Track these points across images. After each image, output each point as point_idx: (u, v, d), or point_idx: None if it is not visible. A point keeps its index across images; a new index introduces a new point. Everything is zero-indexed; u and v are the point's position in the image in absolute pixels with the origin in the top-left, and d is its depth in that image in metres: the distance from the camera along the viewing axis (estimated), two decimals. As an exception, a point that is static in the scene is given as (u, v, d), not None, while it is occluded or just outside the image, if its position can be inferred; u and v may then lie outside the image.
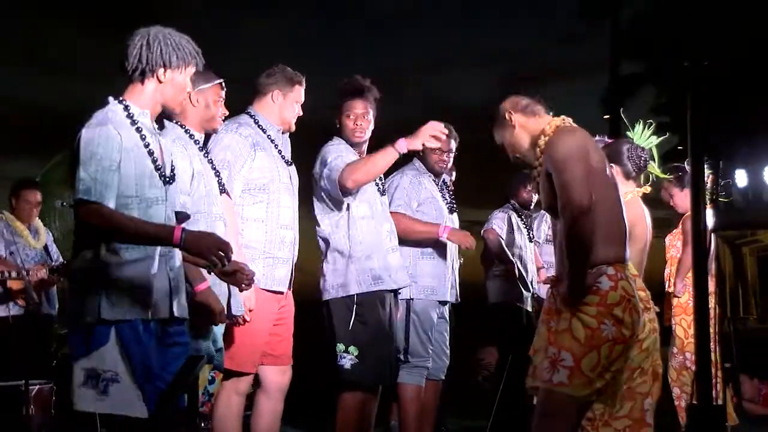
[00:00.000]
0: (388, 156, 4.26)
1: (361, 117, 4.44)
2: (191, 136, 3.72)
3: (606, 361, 3.01)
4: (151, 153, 2.98)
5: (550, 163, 3.09)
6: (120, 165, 2.89)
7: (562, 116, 3.28)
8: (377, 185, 4.53)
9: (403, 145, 4.24)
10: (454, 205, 5.14)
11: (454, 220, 5.10)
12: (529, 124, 3.28)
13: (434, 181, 5.06)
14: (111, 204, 2.86)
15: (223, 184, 3.80)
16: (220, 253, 2.91)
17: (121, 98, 3.02)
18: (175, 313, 3.02)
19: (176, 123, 3.70)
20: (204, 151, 3.76)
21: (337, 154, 4.35)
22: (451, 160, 5.11)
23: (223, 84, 3.80)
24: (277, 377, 4.10)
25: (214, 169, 3.78)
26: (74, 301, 2.94)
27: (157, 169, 2.98)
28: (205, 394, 3.70)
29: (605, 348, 3.00)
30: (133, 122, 2.97)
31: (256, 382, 4.14)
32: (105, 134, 2.88)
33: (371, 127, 4.49)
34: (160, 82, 3.02)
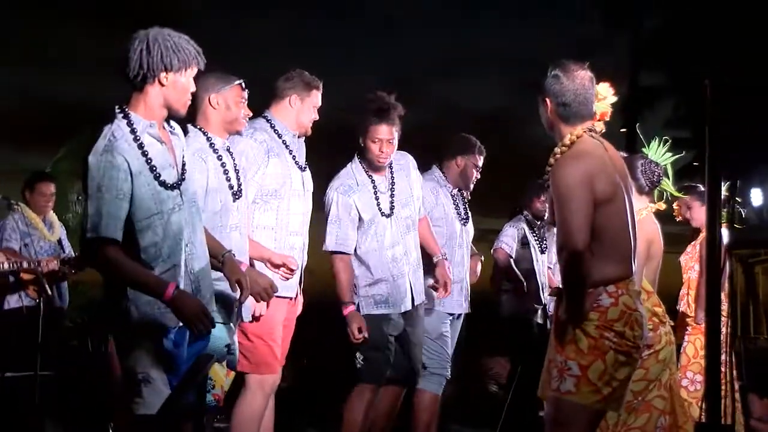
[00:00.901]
0: (340, 299, 4.39)
1: (387, 143, 4.47)
2: (212, 144, 3.72)
3: (612, 370, 3.02)
4: (153, 169, 2.96)
5: (552, 190, 3.07)
6: (133, 191, 2.90)
7: (590, 125, 3.16)
8: (393, 203, 4.56)
9: (348, 310, 4.39)
10: (468, 217, 5.18)
11: (468, 232, 5.15)
12: (558, 124, 3.16)
13: (451, 193, 5.08)
14: (119, 234, 2.88)
15: (241, 188, 3.81)
16: (201, 324, 2.93)
17: (126, 110, 2.99)
18: None
19: (199, 129, 3.72)
20: (226, 155, 3.77)
21: (340, 214, 4.44)
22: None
23: (244, 85, 3.80)
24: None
25: (237, 171, 3.80)
26: (107, 306, 3.01)
27: (161, 183, 2.98)
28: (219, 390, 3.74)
29: (611, 356, 3.01)
30: (136, 138, 2.95)
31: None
32: (111, 162, 2.87)
33: (395, 148, 4.54)
34: (163, 85, 2.99)
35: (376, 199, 4.54)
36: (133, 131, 2.96)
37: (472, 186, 5.18)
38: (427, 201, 4.93)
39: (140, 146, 2.95)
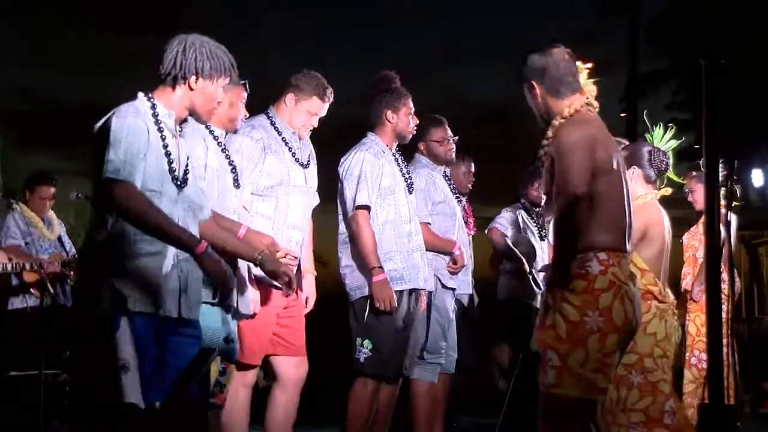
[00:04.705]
0: (370, 266, 4.27)
1: (414, 116, 4.55)
2: (211, 131, 3.76)
3: (599, 355, 2.86)
4: (168, 154, 2.99)
5: (555, 150, 2.99)
6: (146, 157, 2.91)
7: (587, 100, 3.15)
8: (407, 182, 4.56)
9: (379, 277, 4.28)
10: (459, 195, 5.23)
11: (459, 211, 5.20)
12: (550, 102, 3.11)
13: (442, 175, 5.10)
14: (138, 185, 2.88)
15: (238, 179, 3.82)
16: (226, 284, 2.99)
17: (150, 96, 3.04)
18: (183, 314, 3.03)
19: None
20: (222, 147, 3.80)
21: (367, 174, 4.36)
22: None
23: (247, 86, 3.83)
24: (292, 370, 4.13)
25: (231, 164, 3.81)
26: (86, 288, 2.96)
27: (171, 171, 3.00)
28: (217, 385, 3.73)
29: (593, 341, 2.86)
30: (157, 121, 2.99)
31: (273, 376, 4.17)
32: (135, 125, 2.90)
33: None
34: (191, 89, 3.04)
35: (400, 169, 4.56)
36: (154, 114, 3.00)
37: (451, 156, 5.14)
38: (425, 185, 4.93)
39: (160, 129, 2.99)
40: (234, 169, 3.82)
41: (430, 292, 4.80)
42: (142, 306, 2.90)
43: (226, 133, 3.89)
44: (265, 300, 3.95)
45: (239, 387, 3.94)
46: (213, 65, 3.04)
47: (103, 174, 2.84)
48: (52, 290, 5.36)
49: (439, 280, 4.89)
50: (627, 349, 3.45)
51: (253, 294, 3.85)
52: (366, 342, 4.33)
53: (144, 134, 2.91)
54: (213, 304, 3.52)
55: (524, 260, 5.96)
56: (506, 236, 6.02)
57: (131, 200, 2.84)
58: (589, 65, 3.22)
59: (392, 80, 4.59)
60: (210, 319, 3.47)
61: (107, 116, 2.95)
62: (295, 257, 3.95)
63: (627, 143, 4.45)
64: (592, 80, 3.22)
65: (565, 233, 2.91)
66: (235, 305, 3.67)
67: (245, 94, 3.85)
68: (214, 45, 3.08)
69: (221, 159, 3.75)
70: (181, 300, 3.02)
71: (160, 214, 2.90)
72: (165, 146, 2.99)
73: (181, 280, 3.02)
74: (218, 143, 3.78)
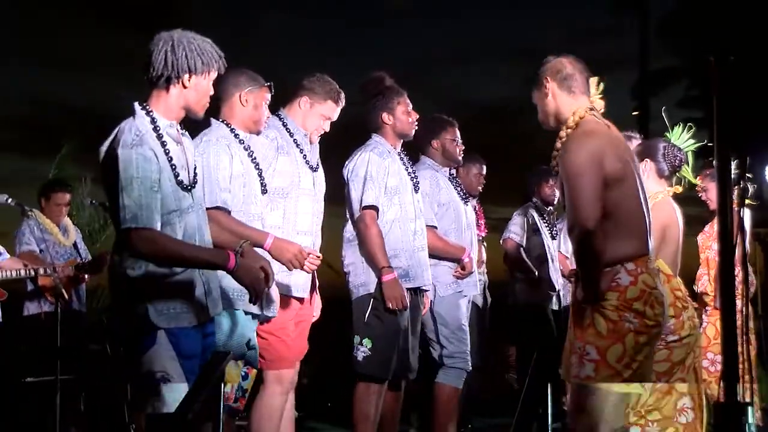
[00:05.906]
0: (379, 266, 4.26)
1: (413, 111, 4.55)
2: (236, 135, 3.77)
3: (632, 351, 3.05)
4: (174, 167, 2.97)
5: (562, 172, 3.11)
6: (160, 184, 2.90)
7: (591, 104, 3.25)
8: (413, 181, 4.56)
9: (389, 276, 4.27)
10: (467, 196, 5.21)
11: (468, 212, 5.17)
12: (561, 99, 3.25)
13: (446, 176, 5.10)
14: (158, 226, 2.88)
15: (265, 185, 3.83)
16: (261, 286, 3.00)
17: (147, 107, 3.00)
18: (210, 314, 3.07)
19: (222, 122, 3.76)
20: (249, 152, 3.80)
21: (373, 174, 4.37)
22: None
23: (272, 88, 3.84)
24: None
25: (258, 168, 3.82)
26: (121, 308, 2.98)
27: (180, 183, 2.99)
28: (239, 390, 3.73)
29: (630, 339, 3.04)
30: (159, 135, 2.97)
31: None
32: (143, 155, 2.86)
33: None
34: (185, 87, 3.00)
35: (406, 169, 4.56)
36: (156, 129, 2.97)
37: (461, 159, 5.15)
38: (430, 188, 4.92)
39: (163, 144, 2.97)
40: (261, 174, 3.82)
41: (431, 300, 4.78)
42: (178, 321, 2.94)
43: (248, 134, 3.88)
44: (284, 305, 3.95)
45: (275, 388, 3.94)
46: (204, 60, 3.01)
47: (122, 224, 2.84)
48: (66, 295, 5.39)
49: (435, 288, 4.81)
50: (661, 358, 3.66)
51: (276, 296, 3.85)
52: (365, 341, 4.32)
53: (153, 162, 2.88)
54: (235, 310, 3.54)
55: (536, 271, 5.95)
56: (521, 246, 6.01)
57: (156, 245, 2.86)
58: (596, 78, 3.33)
59: (382, 81, 4.55)
60: (236, 324, 3.50)
61: (110, 140, 2.92)
62: (319, 257, 3.90)
63: (637, 135, 4.47)
64: (597, 77, 3.32)
65: (587, 253, 3.04)
66: (261, 311, 3.69)
67: (269, 96, 3.85)
68: (200, 39, 3.03)
69: (247, 164, 3.75)
70: (208, 302, 3.06)
71: (186, 247, 2.93)
72: (170, 159, 2.97)
73: (204, 283, 3.06)
74: (244, 147, 3.78)
